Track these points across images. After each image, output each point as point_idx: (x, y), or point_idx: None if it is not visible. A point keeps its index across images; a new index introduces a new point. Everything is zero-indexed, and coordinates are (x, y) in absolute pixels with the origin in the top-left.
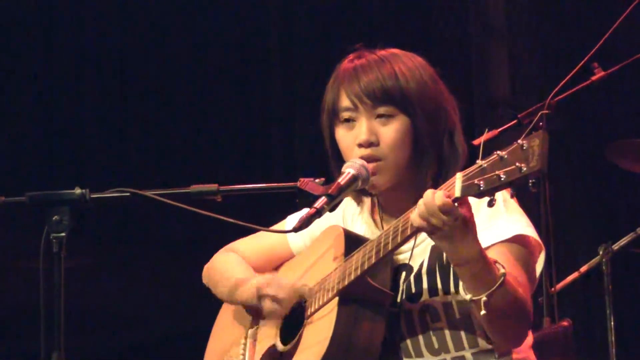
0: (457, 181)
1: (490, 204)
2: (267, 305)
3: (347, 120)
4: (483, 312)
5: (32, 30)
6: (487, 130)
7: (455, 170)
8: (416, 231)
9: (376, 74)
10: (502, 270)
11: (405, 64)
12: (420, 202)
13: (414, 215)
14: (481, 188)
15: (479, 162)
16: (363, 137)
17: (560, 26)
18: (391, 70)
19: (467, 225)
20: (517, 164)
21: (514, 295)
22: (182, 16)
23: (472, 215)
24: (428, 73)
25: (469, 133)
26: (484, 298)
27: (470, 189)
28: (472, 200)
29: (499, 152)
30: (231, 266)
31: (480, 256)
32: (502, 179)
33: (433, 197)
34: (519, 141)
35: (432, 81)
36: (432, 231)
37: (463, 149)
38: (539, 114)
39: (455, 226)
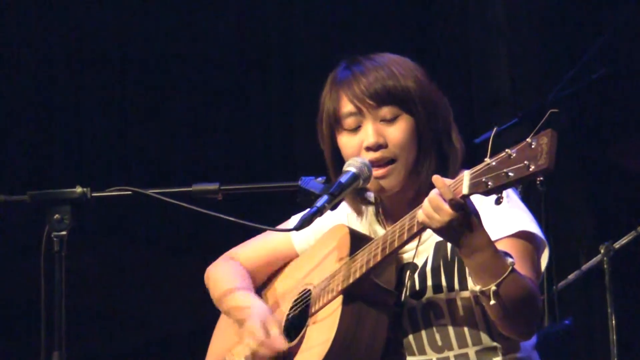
0: (465, 178)
1: (498, 201)
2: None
3: (352, 129)
4: (493, 301)
5: (32, 29)
6: (495, 128)
7: (455, 169)
8: (423, 229)
9: (375, 76)
10: (510, 260)
11: (401, 65)
12: (427, 199)
13: (421, 213)
14: (489, 185)
15: (487, 160)
16: (371, 140)
17: (560, 25)
18: (389, 71)
19: (473, 218)
20: (526, 162)
21: (523, 284)
22: (183, 16)
23: (475, 208)
24: (422, 73)
25: (469, 132)
26: (493, 287)
27: (478, 187)
28: (476, 195)
29: (507, 150)
30: (228, 284)
31: (488, 245)
32: (510, 177)
33: (438, 194)
34: (528, 139)
35: (427, 81)
36: (439, 228)
37: (461, 147)
38: (549, 112)
39: (462, 222)
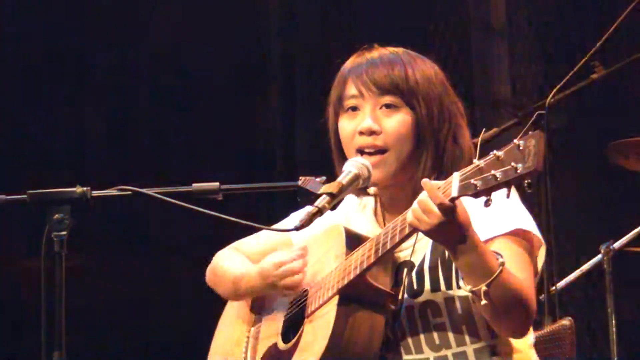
0: (455, 181)
1: (487, 203)
2: (286, 285)
3: (351, 108)
4: (484, 302)
5: (32, 29)
6: (484, 130)
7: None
8: (414, 231)
9: (385, 66)
10: (500, 260)
11: (415, 61)
12: (416, 202)
13: (410, 216)
14: (478, 188)
15: (476, 161)
16: (365, 124)
17: (561, 25)
18: (401, 63)
19: (462, 220)
20: (513, 164)
21: (514, 284)
22: (184, 16)
23: (465, 209)
24: (436, 73)
25: (470, 133)
26: (483, 288)
27: (467, 189)
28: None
29: (495, 151)
30: (232, 262)
31: (476, 246)
32: (498, 179)
33: (429, 198)
34: (516, 141)
35: (439, 82)
36: (428, 230)
37: (468, 150)
38: (536, 113)
39: (451, 224)
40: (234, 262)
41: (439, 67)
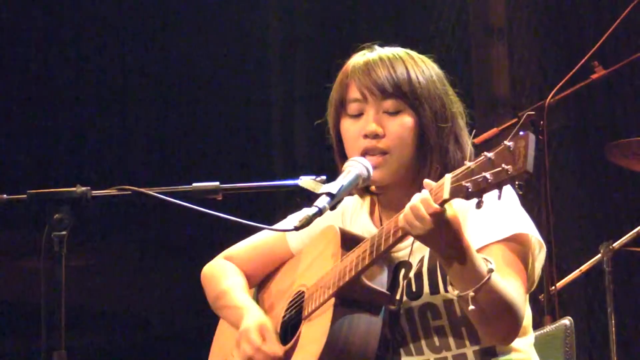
0: (446, 183)
1: (478, 205)
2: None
3: (355, 115)
4: (471, 307)
5: (33, 29)
6: (474, 132)
7: None
8: (406, 234)
9: (388, 68)
10: (489, 266)
11: (417, 62)
12: (408, 207)
13: (402, 219)
14: (469, 190)
15: (467, 163)
16: (370, 127)
17: (561, 26)
18: (403, 65)
19: (454, 225)
20: (504, 165)
21: (503, 291)
22: (183, 14)
23: (456, 215)
24: (437, 74)
25: (470, 133)
26: (471, 293)
27: (459, 191)
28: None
29: (486, 153)
30: (223, 286)
31: (467, 252)
32: (489, 181)
33: (420, 202)
34: (506, 142)
35: (440, 83)
36: (419, 235)
37: (470, 151)
38: (525, 114)
39: (442, 229)
40: (229, 292)
41: (438, 67)
